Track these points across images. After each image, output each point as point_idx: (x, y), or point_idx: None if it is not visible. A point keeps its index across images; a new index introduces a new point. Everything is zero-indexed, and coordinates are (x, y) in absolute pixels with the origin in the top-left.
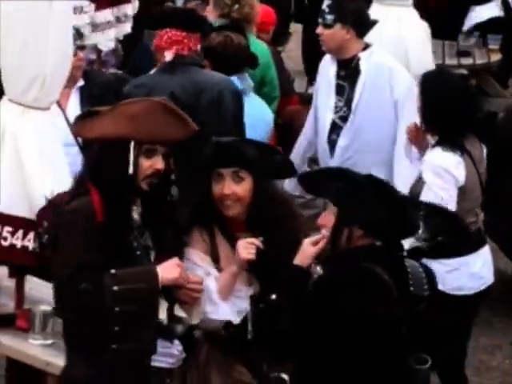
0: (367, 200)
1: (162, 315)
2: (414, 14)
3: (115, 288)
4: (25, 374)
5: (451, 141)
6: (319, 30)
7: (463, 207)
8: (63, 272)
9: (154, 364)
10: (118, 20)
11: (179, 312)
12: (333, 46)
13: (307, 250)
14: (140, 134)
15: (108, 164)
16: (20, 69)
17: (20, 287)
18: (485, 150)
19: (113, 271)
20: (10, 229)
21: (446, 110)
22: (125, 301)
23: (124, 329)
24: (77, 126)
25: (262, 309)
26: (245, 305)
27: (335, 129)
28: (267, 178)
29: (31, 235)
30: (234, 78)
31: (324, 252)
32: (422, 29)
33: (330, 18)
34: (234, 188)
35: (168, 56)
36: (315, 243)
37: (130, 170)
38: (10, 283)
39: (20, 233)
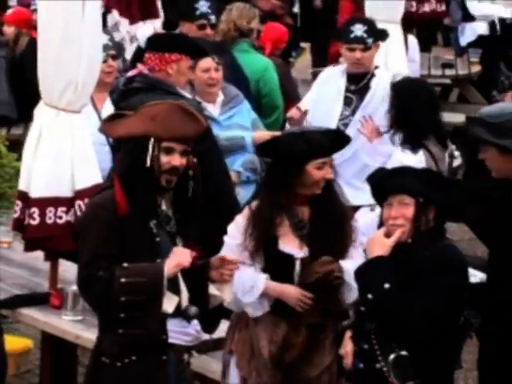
0: (439, 186)
1: (170, 308)
2: (400, 32)
3: (123, 280)
4: (57, 346)
5: (414, 141)
6: (358, 54)
7: None
8: (83, 259)
9: (171, 341)
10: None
11: (214, 290)
12: (370, 65)
13: (386, 242)
14: (158, 131)
15: (130, 158)
16: (56, 76)
17: (54, 269)
18: (447, 153)
19: (125, 264)
20: (51, 208)
21: (414, 116)
22: (130, 292)
23: (129, 316)
24: (105, 126)
25: (376, 298)
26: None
27: None
28: None
29: (64, 209)
30: None
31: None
32: (411, 43)
33: (370, 41)
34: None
35: (129, 73)
36: (387, 235)
37: (148, 163)
38: (45, 266)
39: (59, 210)
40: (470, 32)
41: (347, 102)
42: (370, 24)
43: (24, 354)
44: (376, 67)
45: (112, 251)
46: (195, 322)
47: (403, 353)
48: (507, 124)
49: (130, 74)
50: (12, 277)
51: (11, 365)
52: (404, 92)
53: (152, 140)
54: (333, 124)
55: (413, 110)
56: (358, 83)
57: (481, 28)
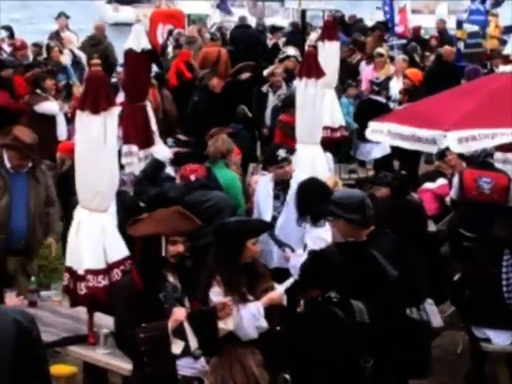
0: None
1: (178, 350)
2: (320, 150)
3: (141, 335)
4: (94, 370)
5: (319, 219)
6: (288, 168)
7: None
8: (116, 323)
9: (182, 373)
10: (146, 158)
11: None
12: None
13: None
14: (166, 231)
15: (149, 251)
16: (88, 187)
17: (91, 318)
18: None
19: (143, 325)
20: (93, 277)
21: (315, 203)
22: (147, 343)
23: (149, 359)
24: (130, 228)
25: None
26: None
27: (274, 220)
28: None
29: (102, 277)
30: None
31: None
32: (327, 159)
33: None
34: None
35: (192, 177)
36: None
37: (163, 254)
38: (84, 316)
39: (99, 277)
40: (377, 150)
41: (276, 197)
42: (288, 148)
43: (72, 377)
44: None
45: (133, 317)
46: (202, 358)
47: (286, 376)
48: (354, 204)
49: (192, 178)
50: (61, 324)
51: None
52: (302, 188)
53: (163, 237)
54: (270, 214)
55: (308, 199)
56: (279, 185)
57: (384, 147)
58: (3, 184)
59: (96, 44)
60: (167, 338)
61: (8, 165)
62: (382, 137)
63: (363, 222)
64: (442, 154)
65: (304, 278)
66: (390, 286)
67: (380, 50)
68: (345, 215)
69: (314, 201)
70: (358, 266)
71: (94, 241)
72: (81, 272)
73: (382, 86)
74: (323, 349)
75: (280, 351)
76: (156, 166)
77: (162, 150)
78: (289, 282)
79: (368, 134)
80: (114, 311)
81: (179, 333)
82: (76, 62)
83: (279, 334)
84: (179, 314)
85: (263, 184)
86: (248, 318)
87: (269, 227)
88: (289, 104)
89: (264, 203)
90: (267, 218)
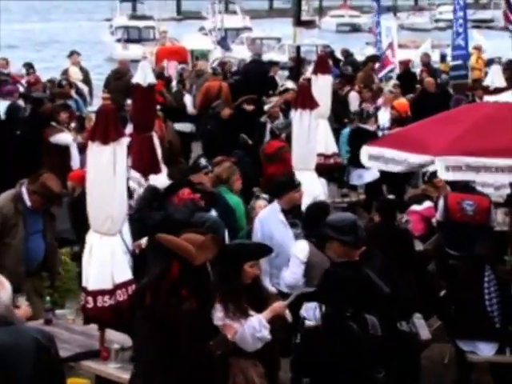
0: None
1: None
2: (315, 175)
3: (219, 352)
4: None
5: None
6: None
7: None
8: (191, 348)
9: None
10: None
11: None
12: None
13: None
14: (211, 255)
15: (203, 276)
16: (99, 212)
17: (102, 334)
18: None
19: (211, 342)
20: (101, 297)
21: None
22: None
23: (220, 373)
24: (194, 261)
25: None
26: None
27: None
28: None
29: (108, 297)
30: None
31: None
32: (322, 183)
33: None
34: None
35: (188, 195)
36: None
37: (212, 278)
38: (97, 333)
39: (105, 297)
40: (367, 176)
41: (293, 225)
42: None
43: None
44: None
45: (201, 334)
46: None
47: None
48: (347, 226)
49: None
50: (75, 341)
51: None
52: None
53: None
54: (292, 242)
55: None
56: (289, 213)
57: (374, 173)
58: (21, 221)
59: (121, 77)
60: (231, 351)
61: (28, 203)
62: (376, 164)
63: (356, 243)
64: (429, 177)
65: (317, 294)
66: (384, 302)
67: (392, 89)
68: (339, 237)
69: (317, 220)
70: (355, 284)
71: (104, 263)
72: (91, 292)
73: (370, 116)
74: (339, 360)
75: (298, 362)
76: (153, 192)
77: (159, 178)
78: (292, 296)
79: (364, 161)
80: (182, 337)
81: None
82: (78, 93)
83: (298, 347)
84: (232, 328)
85: (273, 216)
86: (249, 330)
87: (268, 251)
88: (272, 134)
89: (285, 235)
90: (290, 245)
